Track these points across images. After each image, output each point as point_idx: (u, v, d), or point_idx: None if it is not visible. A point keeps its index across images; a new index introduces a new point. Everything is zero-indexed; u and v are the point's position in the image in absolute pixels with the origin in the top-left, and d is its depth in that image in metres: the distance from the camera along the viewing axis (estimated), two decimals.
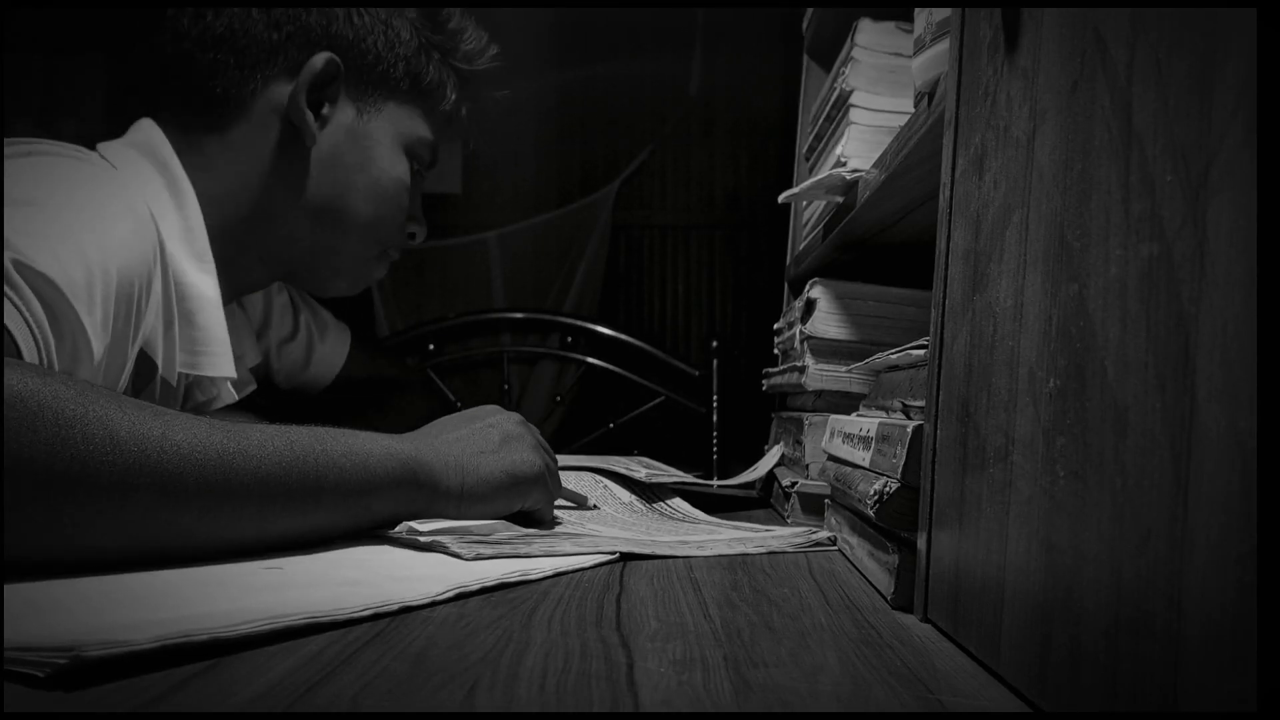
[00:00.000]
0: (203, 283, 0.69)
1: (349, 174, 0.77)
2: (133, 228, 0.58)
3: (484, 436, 0.62)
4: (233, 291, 0.78)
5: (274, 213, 0.75)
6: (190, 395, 0.76)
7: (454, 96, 0.82)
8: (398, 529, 0.56)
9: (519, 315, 1.78)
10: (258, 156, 0.74)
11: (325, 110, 0.75)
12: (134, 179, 0.66)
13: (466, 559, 0.51)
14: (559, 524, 0.66)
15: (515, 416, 0.67)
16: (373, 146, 0.77)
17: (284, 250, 0.78)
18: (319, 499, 0.50)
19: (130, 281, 0.57)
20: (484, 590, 0.45)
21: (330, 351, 1.04)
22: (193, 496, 0.44)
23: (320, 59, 0.73)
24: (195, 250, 0.69)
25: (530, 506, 0.64)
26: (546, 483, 0.64)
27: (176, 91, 0.74)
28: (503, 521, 0.58)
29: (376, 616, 0.38)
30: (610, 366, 1.71)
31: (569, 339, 1.75)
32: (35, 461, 0.38)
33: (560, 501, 0.73)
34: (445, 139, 0.85)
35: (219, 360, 0.70)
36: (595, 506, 0.76)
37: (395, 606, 0.39)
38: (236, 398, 0.79)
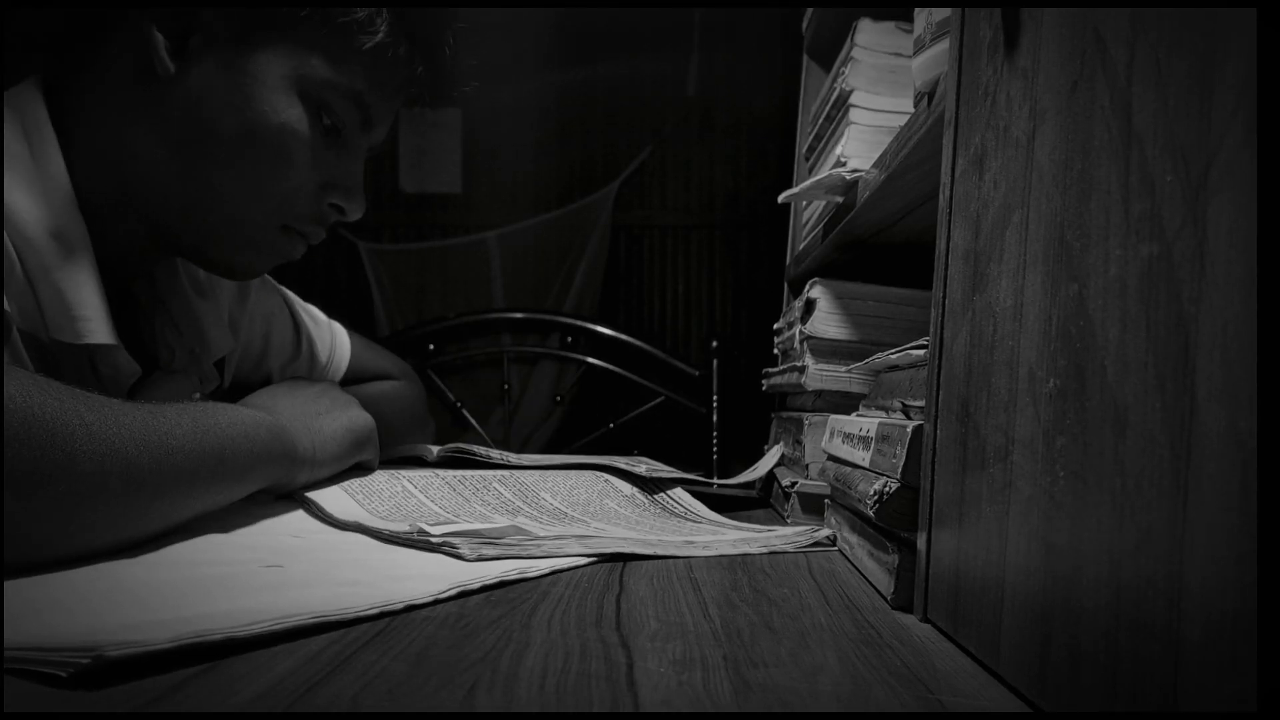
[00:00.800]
0: (61, 243, 0.62)
1: (218, 113, 0.65)
2: None
3: (315, 400, 0.66)
4: (117, 258, 0.70)
5: (136, 159, 0.66)
6: (96, 372, 0.67)
7: (384, 31, 0.67)
8: (408, 529, 0.55)
9: (519, 315, 1.78)
10: (114, 95, 0.65)
11: (194, 41, 0.64)
12: None
13: (470, 559, 0.51)
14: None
15: (329, 384, 0.72)
16: (250, 84, 0.65)
17: (159, 206, 0.68)
18: (223, 474, 0.52)
19: None
20: (485, 588, 0.45)
21: (335, 363, 1.00)
22: (151, 486, 0.46)
23: None
24: (53, 204, 0.62)
25: (366, 460, 0.70)
26: (375, 439, 0.71)
27: (54, 39, 0.67)
28: (512, 524, 0.58)
29: (383, 615, 0.38)
30: (610, 366, 1.71)
31: (569, 339, 1.75)
32: (28, 462, 0.39)
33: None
34: (388, 92, 0.71)
35: (92, 325, 0.63)
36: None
37: (400, 605, 0.39)
38: (138, 371, 0.69)
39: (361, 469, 0.71)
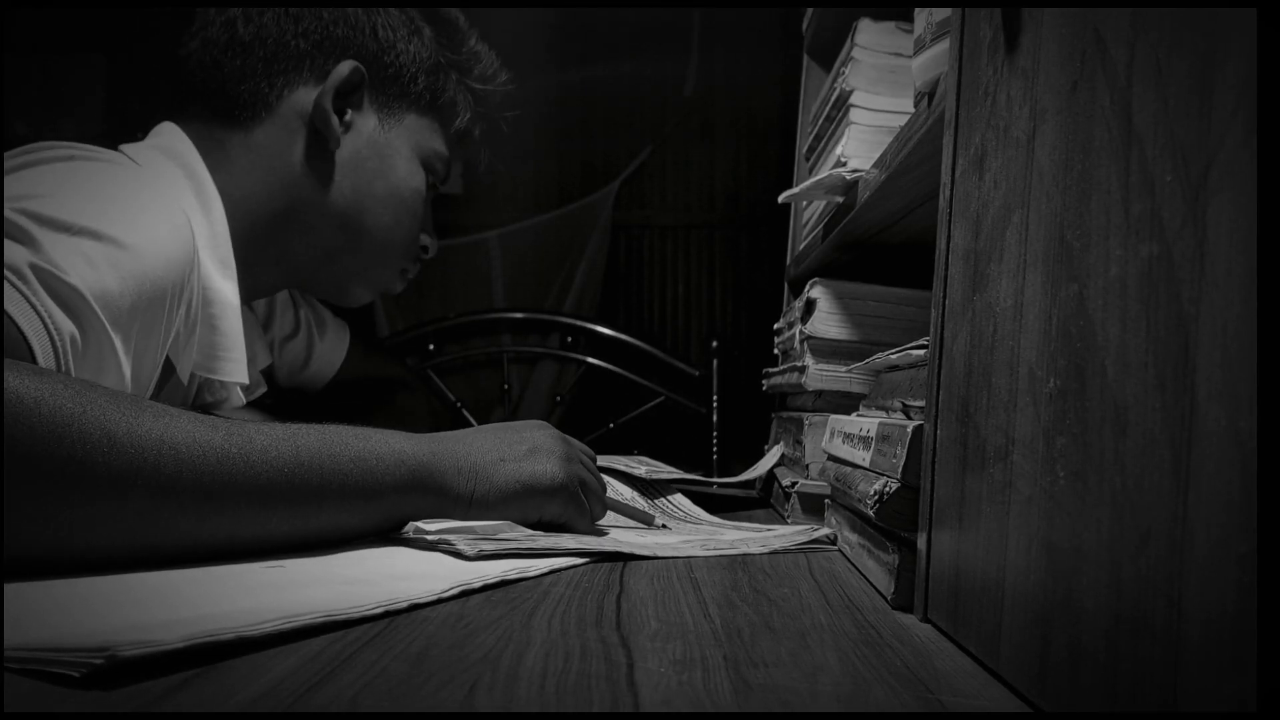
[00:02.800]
0: (226, 288, 0.69)
1: (370, 180, 0.78)
2: (170, 234, 0.58)
3: (510, 445, 0.62)
4: (248, 295, 0.79)
5: (296, 216, 0.76)
6: (199, 396, 0.76)
7: (468, 115, 0.85)
8: (405, 528, 0.56)
9: (519, 315, 1.78)
10: (281, 160, 0.75)
11: (348, 117, 0.77)
12: (167, 184, 0.67)
13: (470, 557, 0.51)
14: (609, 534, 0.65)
15: (555, 433, 0.65)
16: (393, 155, 0.79)
17: (302, 255, 0.79)
18: (321, 505, 0.50)
19: (164, 290, 0.57)
20: (486, 587, 0.45)
21: (329, 349, 1.04)
22: (190, 499, 0.44)
23: (347, 66, 0.75)
24: (219, 255, 0.70)
25: (550, 518, 0.63)
26: (568, 496, 0.62)
27: (201, 95, 0.75)
28: (508, 522, 0.58)
29: (388, 614, 0.38)
30: (610, 366, 1.71)
31: (569, 339, 1.75)
32: (31, 460, 0.38)
33: (620, 519, 0.72)
34: (458, 156, 0.88)
35: (234, 365, 0.71)
36: (664, 526, 0.73)
37: (404, 604, 0.39)
38: (244, 401, 0.79)
39: (556, 526, 0.64)
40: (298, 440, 0.49)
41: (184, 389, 0.71)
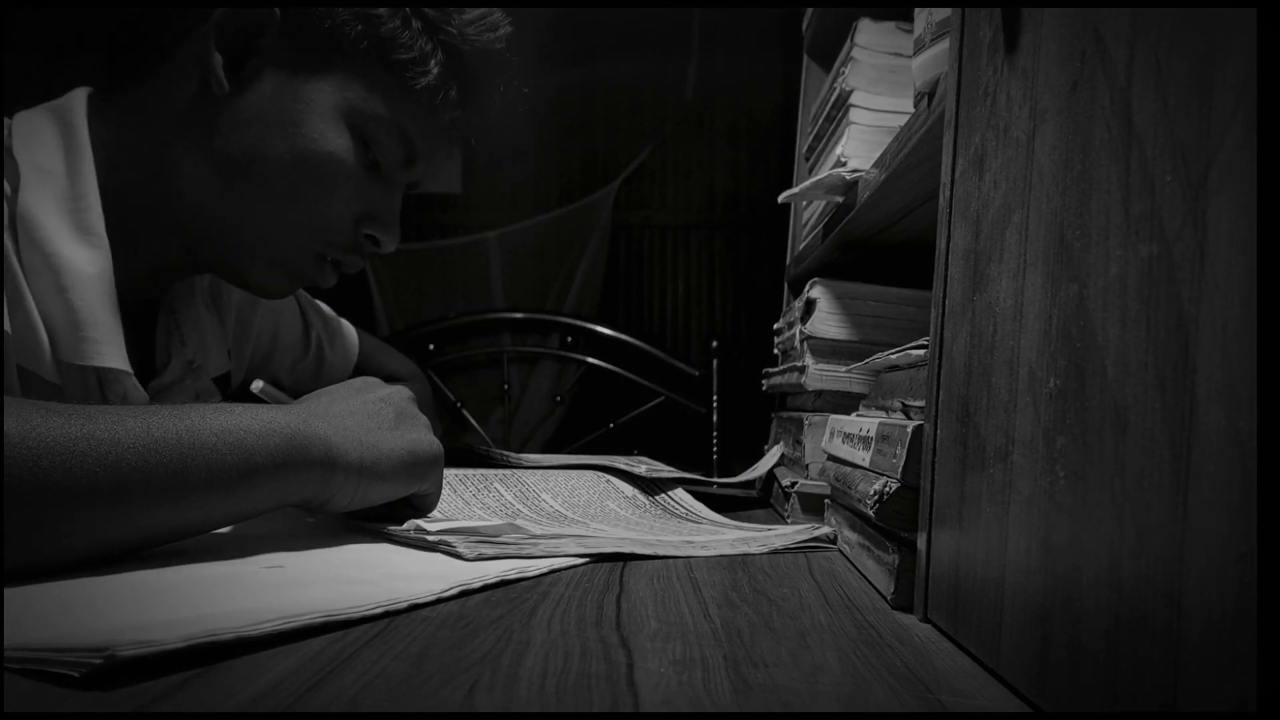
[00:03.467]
0: (80, 255, 0.61)
1: (266, 134, 0.66)
2: None
3: (378, 411, 0.56)
4: (148, 273, 0.70)
5: (178, 173, 0.66)
6: (104, 399, 0.66)
7: (436, 73, 0.68)
8: (404, 527, 0.55)
9: (519, 315, 1.78)
10: (169, 109, 0.66)
11: (251, 64, 0.65)
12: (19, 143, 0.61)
13: (469, 559, 0.51)
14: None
15: (405, 392, 0.60)
16: (302, 110, 0.66)
17: (193, 223, 0.68)
18: (187, 487, 0.44)
19: None
20: (486, 587, 0.45)
21: (339, 358, 1.00)
22: (30, 493, 0.39)
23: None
24: (81, 220, 0.61)
25: (426, 490, 0.58)
26: (440, 468, 0.58)
27: (109, 48, 0.67)
28: (510, 523, 0.58)
29: (388, 614, 0.38)
30: (610, 366, 1.71)
31: (569, 339, 1.75)
32: None
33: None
34: (429, 129, 0.72)
35: (103, 348, 0.61)
36: (515, 524, 0.67)
37: (405, 604, 0.39)
38: (146, 397, 0.68)
39: (413, 507, 0.59)
40: (149, 418, 0.44)
41: (55, 387, 0.62)
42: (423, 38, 0.68)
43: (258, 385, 0.63)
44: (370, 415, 0.56)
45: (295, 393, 0.97)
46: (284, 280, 0.73)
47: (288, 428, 0.49)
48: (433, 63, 0.68)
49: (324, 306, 1.01)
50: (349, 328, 1.03)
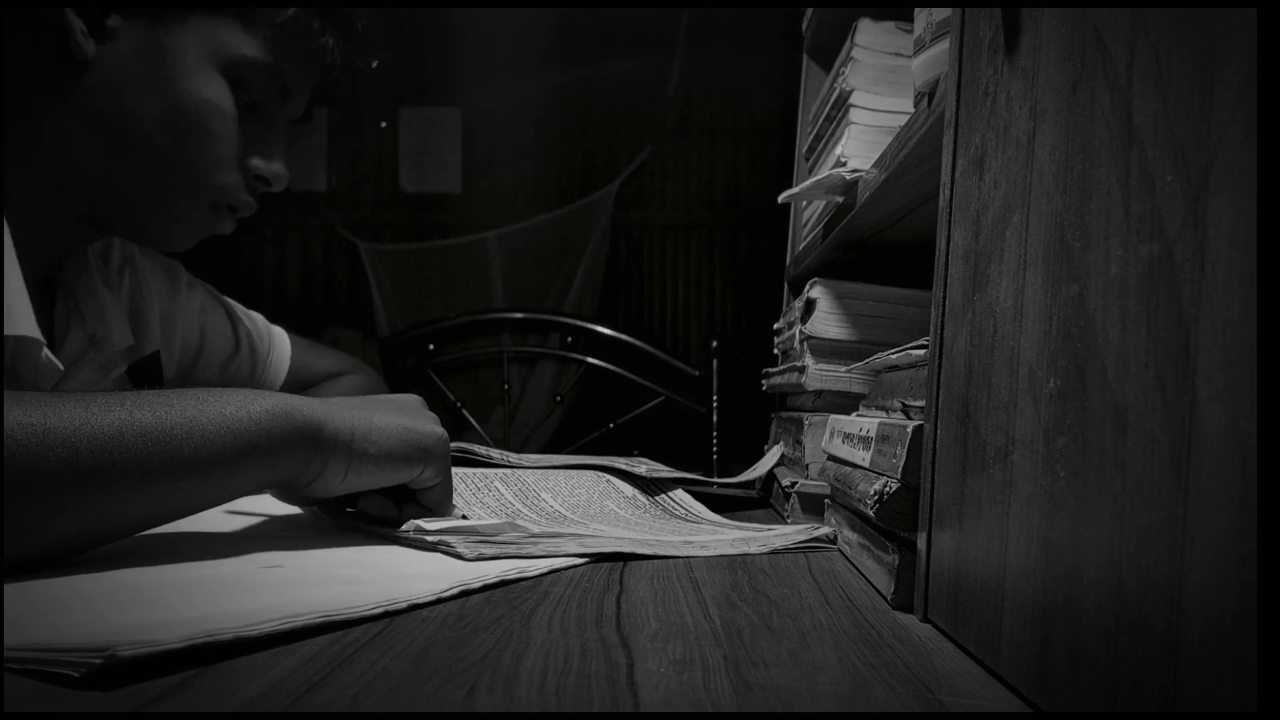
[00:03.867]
0: None
1: (138, 93, 0.66)
2: None
3: (377, 401, 0.57)
4: (48, 242, 0.70)
5: (51, 137, 0.66)
6: (15, 375, 0.65)
7: (292, 11, 0.70)
8: (405, 528, 0.55)
9: (519, 315, 1.78)
10: (30, 77, 0.65)
11: (111, 21, 0.65)
12: None
13: (469, 559, 0.51)
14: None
15: (414, 397, 0.61)
16: (172, 64, 0.66)
17: (83, 188, 0.69)
18: (174, 468, 0.44)
19: None
20: (486, 587, 0.45)
21: (274, 358, 0.99)
22: (13, 482, 0.39)
23: None
24: None
25: (427, 480, 0.57)
26: (445, 457, 0.57)
27: None
28: (509, 522, 0.58)
29: (386, 614, 0.38)
30: (610, 366, 1.71)
31: (569, 339, 1.75)
32: None
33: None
34: (303, 65, 0.73)
35: (13, 315, 0.60)
36: (464, 516, 0.65)
37: (404, 604, 0.39)
38: (61, 368, 0.68)
39: (419, 505, 0.58)
40: (132, 403, 0.44)
41: None
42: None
43: None
44: (367, 403, 0.56)
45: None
46: (183, 231, 0.74)
47: (272, 401, 0.49)
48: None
49: (255, 314, 1.00)
50: (280, 330, 1.02)
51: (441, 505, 0.59)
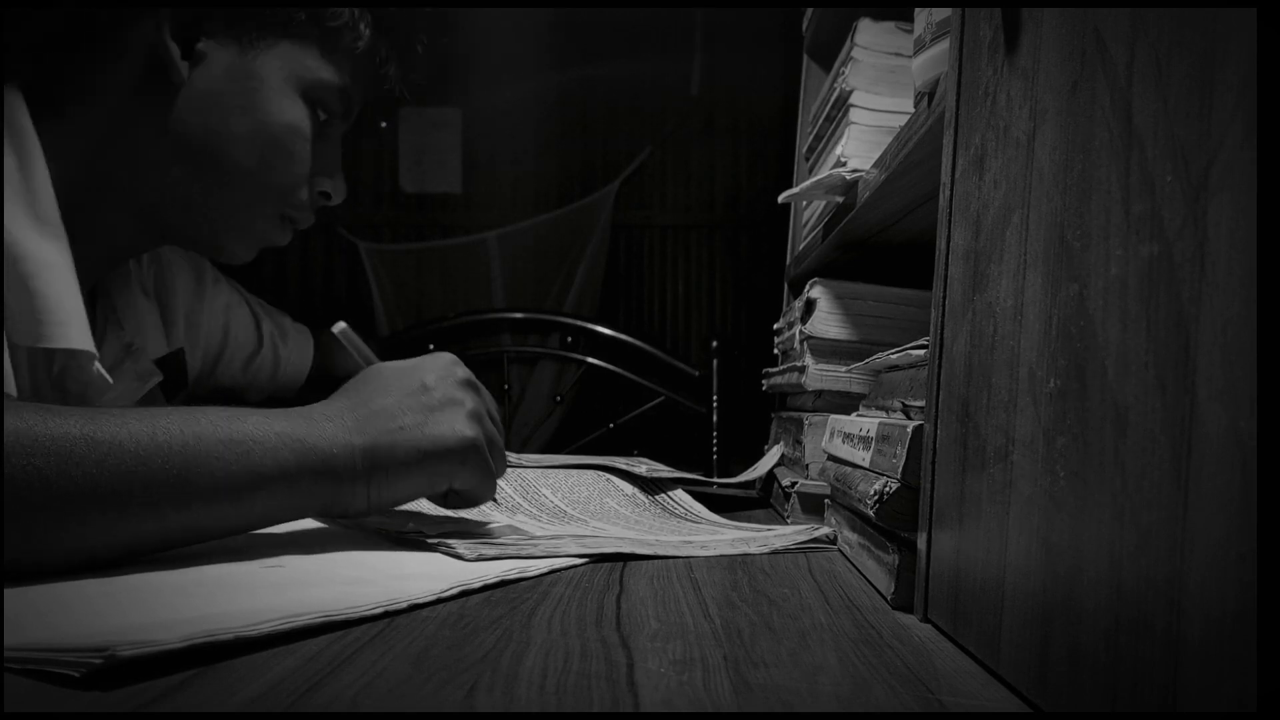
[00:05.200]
0: (42, 246, 0.61)
1: (227, 116, 0.69)
2: None
3: (411, 404, 0.55)
4: (106, 253, 0.72)
5: (138, 159, 0.68)
6: (62, 387, 0.67)
7: (368, 35, 0.73)
8: (406, 528, 0.55)
9: (519, 315, 1.78)
10: (121, 98, 0.67)
11: (201, 45, 0.67)
12: None
13: (469, 559, 0.51)
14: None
15: (460, 373, 0.58)
16: (258, 88, 0.69)
17: (156, 203, 0.70)
18: (187, 496, 0.44)
19: None
20: (486, 587, 0.45)
21: (295, 354, 1.00)
22: (23, 492, 0.39)
23: None
24: (38, 212, 0.62)
25: (459, 486, 0.56)
26: (480, 460, 0.56)
27: (48, 42, 0.67)
28: (509, 524, 0.58)
29: (387, 614, 0.38)
30: (610, 366, 1.71)
31: (569, 339, 1.75)
32: None
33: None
34: (367, 87, 0.77)
35: (61, 330, 0.62)
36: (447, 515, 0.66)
37: (405, 604, 0.39)
38: (110, 382, 0.69)
39: (460, 497, 0.58)
40: (157, 421, 0.44)
41: (23, 379, 0.63)
42: (354, 6, 0.72)
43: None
44: (398, 413, 0.54)
45: (258, 391, 0.97)
46: (253, 245, 0.77)
47: (294, 440, 0.49)
48: (363, 25, 0.72)
49: (272, 309, 1.01)
50: (303, 329, 1.04)
51: (481, 496, 0.58)
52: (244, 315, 0.96)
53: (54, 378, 0.65)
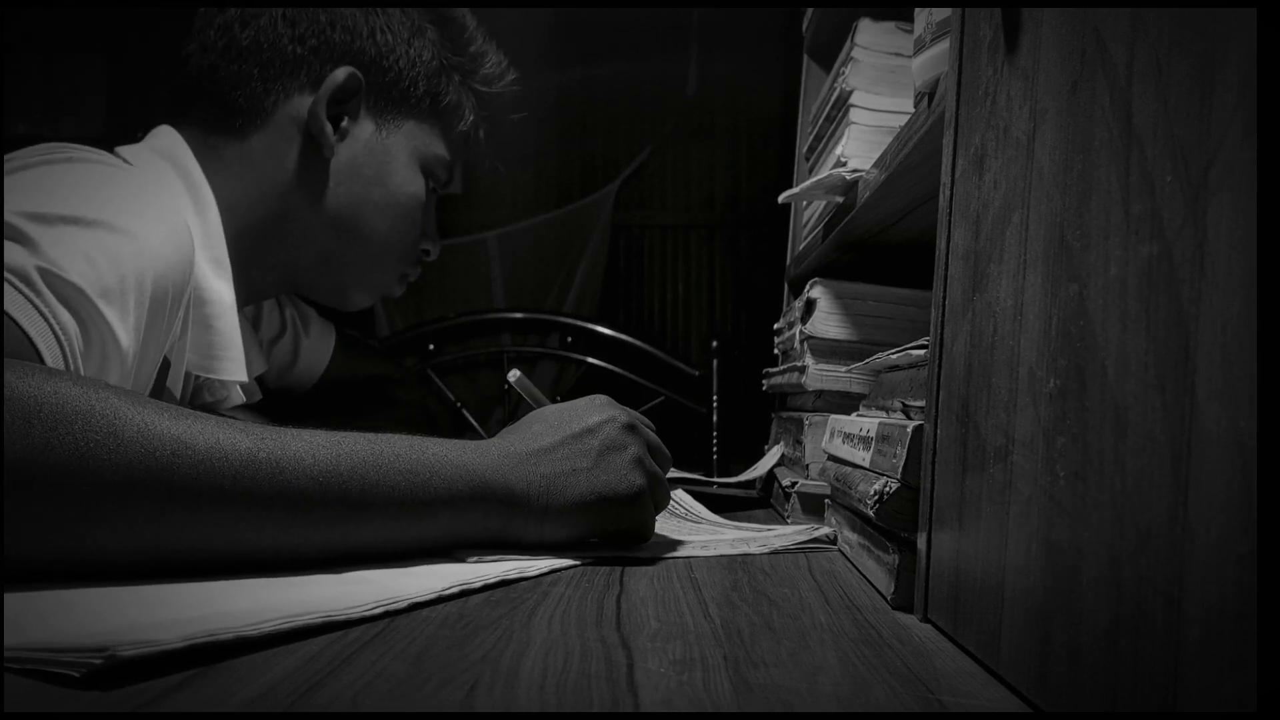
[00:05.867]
0: (220, 288, 0.70)
1: (366, 187, 0.79)
2: (169, 235, 0.58)
3: (580, 448, 0.57)
4: (246, 298, 0.79)
5: (290, 221, 0.77)
6: (199, 396, 0.76)
7: (471, 118, 0.84)
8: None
9: (519, 315, 1.78)
10: (276, 166, 0.75)
11: (345, 124, 0.77)
12: (163, 185, 0.67)
13: (469, 559, 0.51)
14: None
15: (622, 417, 0.60)
16: (390, 162, 0.79)
17: (299, 260, 0.80)
18: (362, 519, 0.47)
19: (165, 290, 0.57)
20: (487, 587, 0.45)
21: (315, 347, 1.03)
22: (205, 503, 0.42)
23: (342, 73, 0.75)
24: (214, 256, 0.70)
25: (627, 526, 0.58)
26: (644, 503, 0.58)
27: (199, 100, 0.75)
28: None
29: (388, 614, 0.38)
30: (610, 366, 1.71)
31: (569, 339, 1.75)
32: (28, 459, 0.37)
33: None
34: (462, 159, 0.87)
35: (232, 364, 0.71)
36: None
37: (405, 603, 0.39)
38: (244, 399, 0.80)
39: (625, 535, 0.59)
40: (340, 448, 0.47)
41: (179, 388, 0.71)
42: (462, 90, 0.83)
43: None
44: (569, 456, 0.56)
45: (277, 376, 0.99)
46: (375, 296, 0.88)
47: (478, 472, 0.52)
48: (467, 109, 0.84)
49: (299, 299, 1.03)
50: (328, 324, 1.07)
51: (642, 537, 0.60)
52: (270, 303, 0.99)
53: (194, 388, 0.75)
